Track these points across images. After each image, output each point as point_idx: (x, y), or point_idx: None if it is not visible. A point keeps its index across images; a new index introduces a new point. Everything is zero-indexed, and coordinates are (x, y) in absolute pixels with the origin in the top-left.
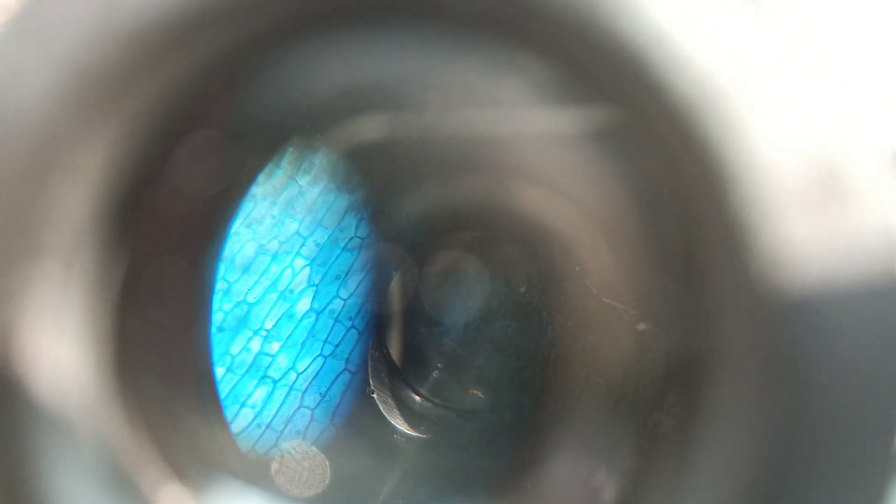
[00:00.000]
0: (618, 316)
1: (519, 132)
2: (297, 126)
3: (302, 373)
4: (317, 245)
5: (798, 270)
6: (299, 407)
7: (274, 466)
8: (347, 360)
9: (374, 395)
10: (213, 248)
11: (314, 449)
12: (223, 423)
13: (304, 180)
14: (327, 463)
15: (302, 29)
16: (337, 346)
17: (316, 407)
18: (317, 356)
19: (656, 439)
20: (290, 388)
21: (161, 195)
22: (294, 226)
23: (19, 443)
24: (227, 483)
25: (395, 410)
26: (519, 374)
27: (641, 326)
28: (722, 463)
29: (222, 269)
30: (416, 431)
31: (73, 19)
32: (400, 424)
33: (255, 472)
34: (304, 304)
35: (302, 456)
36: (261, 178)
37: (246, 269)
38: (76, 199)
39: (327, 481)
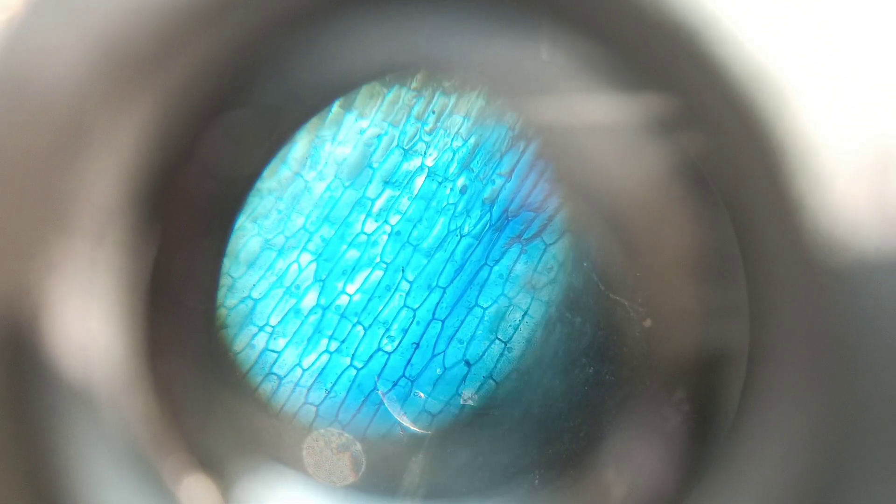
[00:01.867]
0: (625, 312)
1: (554, 118)
2: (331, 104)
3: (307, 369)
4: (323, 240)
5: (856, 252)
6: (304, 404)
7: (304, 455)
8: (353, 356)
9: (380, 392)
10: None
11: (344, 438)
12: (255, 409)
13: (310, 174)
14: (360, 453)
15: (339, 4)
16: (343, 342)
17: (321, 403)
18: (322, 352)
19: (672, 436)
20: (296, 385)
21: (192, 175)
22: (300, 220)
23: (45, 424)
24: (253, 473)
25: (402, 407)
26: (527, 371)
27: (648, 323)
28: (774, 455)
29: (227, 264)
30: (422, 428)
31: None
32: (406, 421)
33: (285, 461)
34: (309, 300)
35: (332, 445)
36: (266, 172)
37: (251, 265)
38: (106, 178)
39: (359, 471)
